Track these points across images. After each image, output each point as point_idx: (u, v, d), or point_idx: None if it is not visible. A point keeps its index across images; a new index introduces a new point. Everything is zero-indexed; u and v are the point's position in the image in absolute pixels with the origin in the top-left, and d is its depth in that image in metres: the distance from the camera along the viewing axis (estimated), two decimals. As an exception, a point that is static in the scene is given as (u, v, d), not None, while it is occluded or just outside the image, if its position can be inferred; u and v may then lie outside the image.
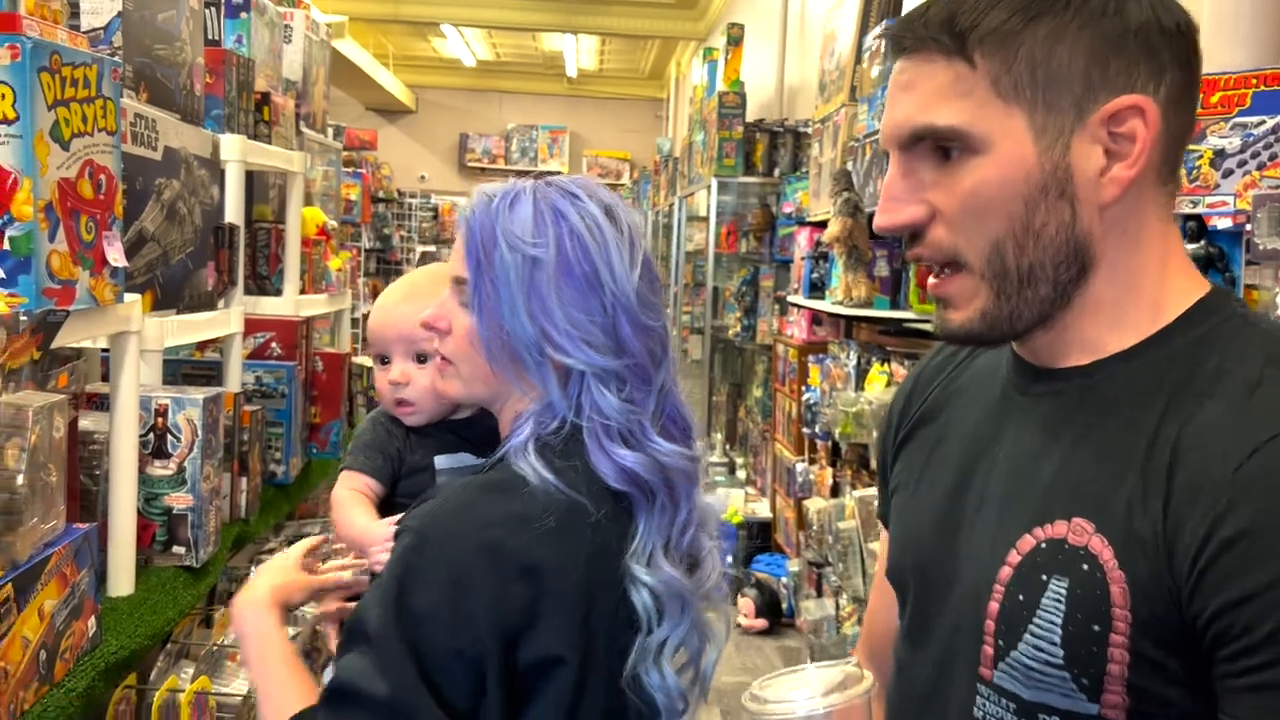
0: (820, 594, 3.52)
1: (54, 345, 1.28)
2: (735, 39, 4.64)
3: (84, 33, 1.64)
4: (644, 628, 0.97)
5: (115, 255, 1.39)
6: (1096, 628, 0.73)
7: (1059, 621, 0.75)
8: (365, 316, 8.72)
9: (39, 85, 1.22)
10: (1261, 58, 1.54)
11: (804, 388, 3.69)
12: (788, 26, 5.42)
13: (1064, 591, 0.75)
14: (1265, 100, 1.47)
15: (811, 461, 3.74)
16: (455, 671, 0.91)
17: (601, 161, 12.33)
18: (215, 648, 1.65)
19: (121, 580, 1.54)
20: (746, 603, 4.02)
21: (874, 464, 2.73)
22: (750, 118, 4.71)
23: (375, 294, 8.44)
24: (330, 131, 3.62)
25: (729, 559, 4.34)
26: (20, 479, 1.16)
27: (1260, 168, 1.47)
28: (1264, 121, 1.46)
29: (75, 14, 1.66)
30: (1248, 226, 1.40)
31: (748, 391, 5.15)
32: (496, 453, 1.01)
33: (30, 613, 1.17)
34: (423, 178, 12.10)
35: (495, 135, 12.51)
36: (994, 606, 0.79)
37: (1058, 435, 0.80)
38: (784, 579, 4.05)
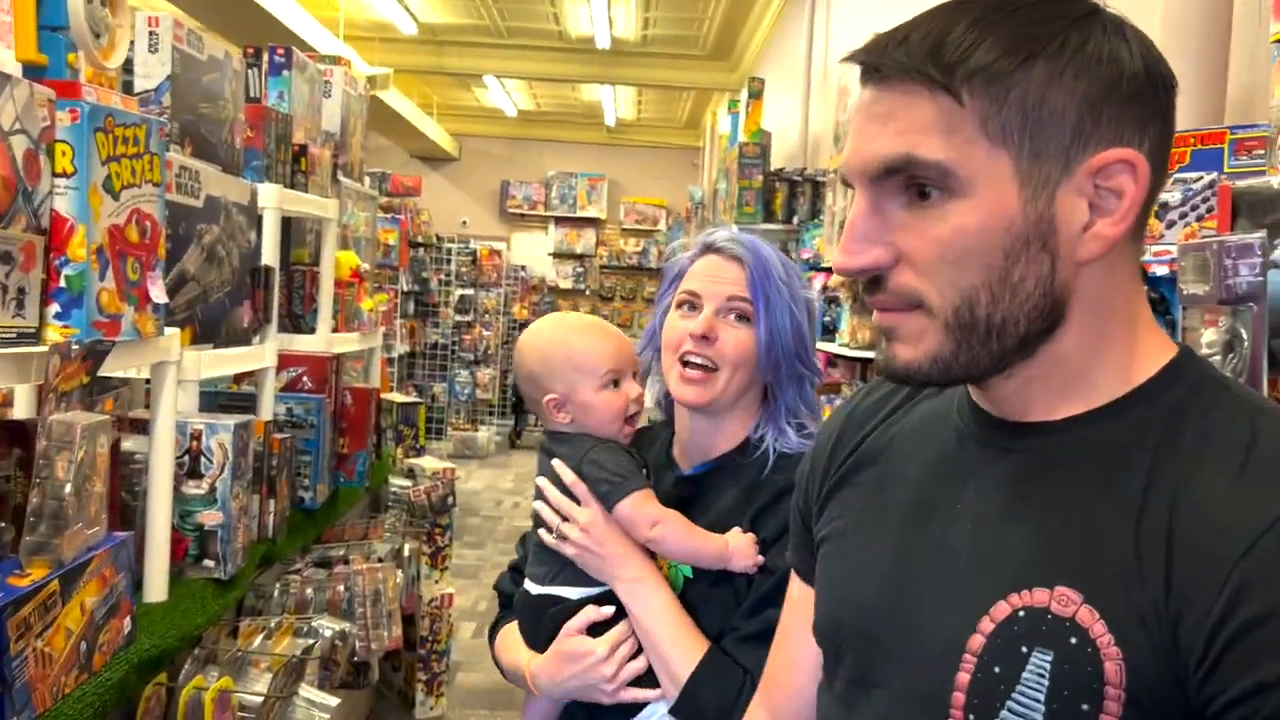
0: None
1: (101, 372, 1.45)
2: (755, 92, 4.82)
3: (136, 94, 1.83)
4: None
5: (157, 293, 1.56)
6: (1085, 706, 0.68)
7: (1042, 698, 0.69)
8: (406, 355, 9.04)
9: (94, 143, 1.40)
10: (1199, 119, 1.66)
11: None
12: (811, 78, 5.58)
13: (1047, 665, 0.69)
14: (1202, 158, 1.60)
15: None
16: None
17: (639, 208, 12.55)
18: (240, 654, 1.80)
19: (156, 587, 1.69)
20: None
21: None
22: (776, 165, 4.86)
23: (413, 334, 8.73)
24: (368, 180, 3.82)
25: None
26: (68, 488, 1.31)
27: (1199, 219, 1.59)
28: (1201, 177, 1.58)
29: (129, 69, 1.85)
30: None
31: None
32: (762, 443, 1.35)
33: (73, 607, 1.32)
34: (464, 223, 12.39)
35: (536, 182, 12.80)
36: (963, 678, 0.73)
37: (1030, 495, 0.76)
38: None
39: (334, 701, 1.86)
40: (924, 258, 0.73)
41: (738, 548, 1.27)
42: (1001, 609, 0.72)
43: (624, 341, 1.41)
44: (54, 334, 1.39)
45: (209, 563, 1.84)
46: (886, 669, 0.81)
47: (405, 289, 6.68)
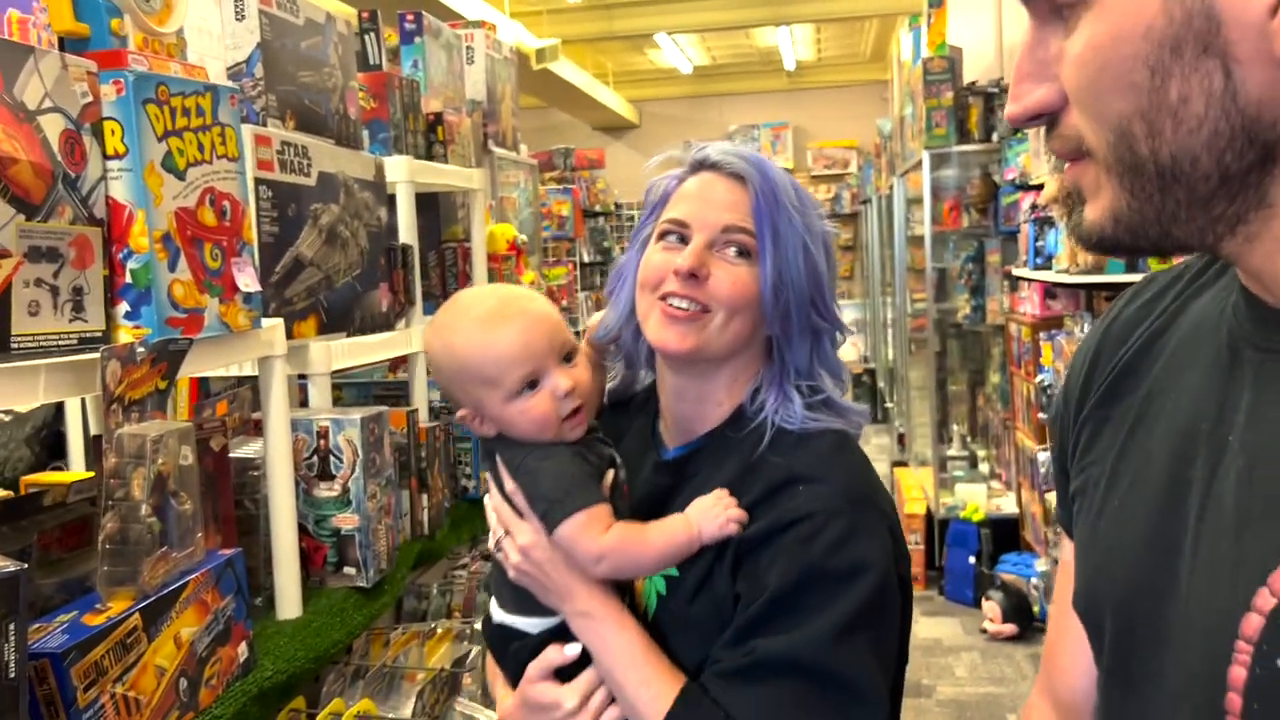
0: (1072, 595, 3.18)
1: (183, 374, 1.29)
2: (936, 1, 4.33)
3: (229, 68, 1.69)
4: None
5: (246, 281, 1.40)
6: None
7: None
8: (582, 330, 8.85)
9: (145, 117, 1.23)
10: None
11: (1039, 369, 3.35)
12: (1003, -20, 5.01)
13: None
14: None
15: (1053, 449, 3.39)
16: None
17: (827, 153, 12.02)
18: (387, 668, 1.64)
19: (289, 602, 1.55)
20: (992, 606, 3.71)
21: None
22: (967, 80, 4.37)
23: (599, 306, 8.60)
24: (524, 149, 3.65)
25: (971, 559, 4.03)
26: (144, 509, 1.16)
27: None
28: None
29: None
30: None
31: (986, 378, 4.78)
32: (760, 413, 1.11)
33: (164, 641, 1.17)
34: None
35: (718, 139, 12.48)
36: (1238, 674, 0.56)
37: None
38: (1034, 579, 3.70)
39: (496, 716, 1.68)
40: (1071, 88, 0.60)
41: (701, 518, 1.05)
42: None
43: (536, 327, 1.09)
44: (126, 336, 1.24)
45: (349, 569, 1.69)
46: (1146, 660, 0.65)
47: (585, 260, 6.57)
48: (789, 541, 1.02)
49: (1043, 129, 0.65)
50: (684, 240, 1.12)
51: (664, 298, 1.11)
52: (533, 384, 1.08)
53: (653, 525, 1.07)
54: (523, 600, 1.11)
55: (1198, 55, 0.54)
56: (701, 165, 1.17)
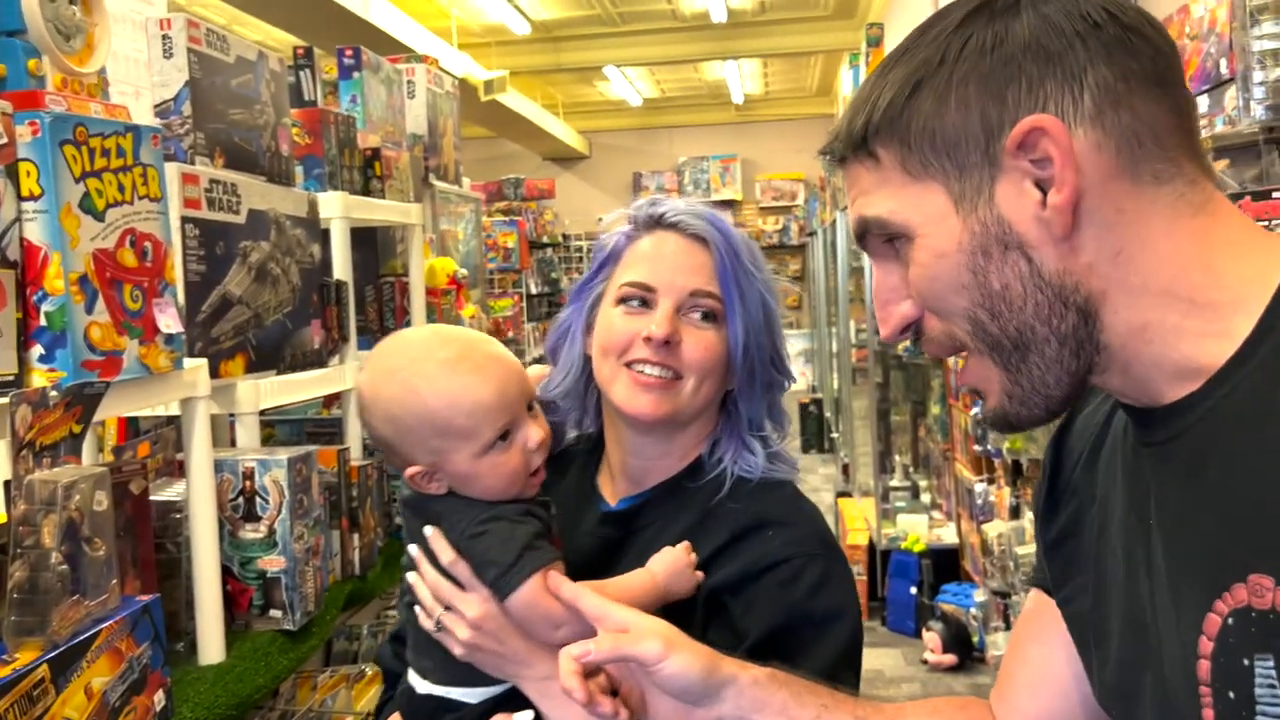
0: (1009, 626, 3.22)
1: (101, 416, 1.27)
2: (874, 40, 4.42)
3: (156, 106, 1.67)
4: None
5: (167, 322, 1.38)
6: None
7: None
8: (540, 359, 8.75)
9: (62, 158, 1.22)
10: None
11: (975, 400, 3.40)
12: (940, 21, 5.13)
13: (1272, 672, 0.60)
14: None
15: (990, 481, 3.44)
16: None
17: (775, 184, 12.15)
18: (313, 712, 1.62)
19: (211, 647, 1.52)
20: (932, 637, 3.74)
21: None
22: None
23: (545, 336, 8.54)
24: (467, 182, 3.65)
25: (913, 590, 4.06)
26: (55, 556, 1.14)
27: None
28: None
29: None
30: None
31: (927, 409, 4.85)
32: (719, 465, 1.12)
33: (73, 692, 1.15)
34: (600, 220, 12.27)
35: (668, 171, 12.57)
36: (1209, 715, 0.64)
37: (1200, 482, 0.67)
38: (973, 609, 3.74)
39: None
40: (921, 300, 0.74)
41: (668, 575, 1.01)
42: (1213, 622, 0.64)
43: (507, 374, 1.02)
44: (40, 380, 1.22)
45: (275, 612, 1.66)
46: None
47: (533, 291, 6.57)
48: (768, 585, 1.02)
49: (914, 340, 0.79)
50: (646, 304, 1.10)
51: (631, 364, 1.09)
52: (503, 436, 1.01)
53: (611, 582, 1.00)
54: (460, 670, 1.03)
55: (1002, 252, 0.69)
56: (657, 223, 1.13)
